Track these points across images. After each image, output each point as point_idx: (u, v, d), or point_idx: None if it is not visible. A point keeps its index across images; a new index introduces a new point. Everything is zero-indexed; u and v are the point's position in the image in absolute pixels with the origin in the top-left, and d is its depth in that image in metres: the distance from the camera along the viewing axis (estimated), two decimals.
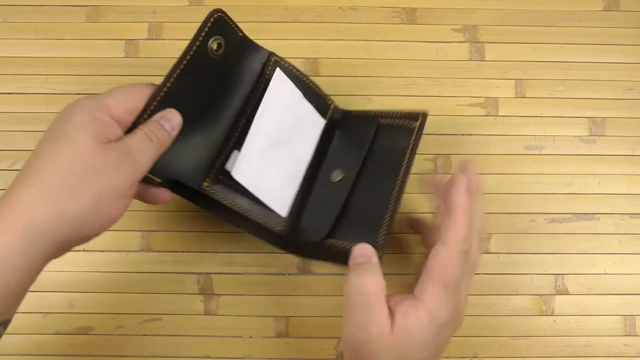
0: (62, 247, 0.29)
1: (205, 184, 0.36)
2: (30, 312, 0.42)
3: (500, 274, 0.44)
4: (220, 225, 0.44)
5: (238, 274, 0.43)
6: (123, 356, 0.42)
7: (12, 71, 0.46)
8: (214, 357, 0.42)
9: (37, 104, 0.46)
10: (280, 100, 0.38)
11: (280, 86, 0.38)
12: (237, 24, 0.36)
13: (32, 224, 0.27)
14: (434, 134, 0.46)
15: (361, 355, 0.30)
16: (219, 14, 0.34)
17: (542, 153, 0.46)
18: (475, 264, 0.33)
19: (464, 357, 0.42)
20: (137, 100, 0.31)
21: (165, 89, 0.32)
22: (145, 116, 0.32)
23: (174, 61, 0.32)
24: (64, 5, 0.48)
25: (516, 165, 0.45)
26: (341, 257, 0.35)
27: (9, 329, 0.43)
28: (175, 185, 0.35)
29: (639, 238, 0.44)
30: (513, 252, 0.44)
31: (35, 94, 0.46)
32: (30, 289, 0.42)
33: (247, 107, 0.38)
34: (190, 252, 0.43)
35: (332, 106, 0.42)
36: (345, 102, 0.46)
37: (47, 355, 0.42)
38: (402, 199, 0.35)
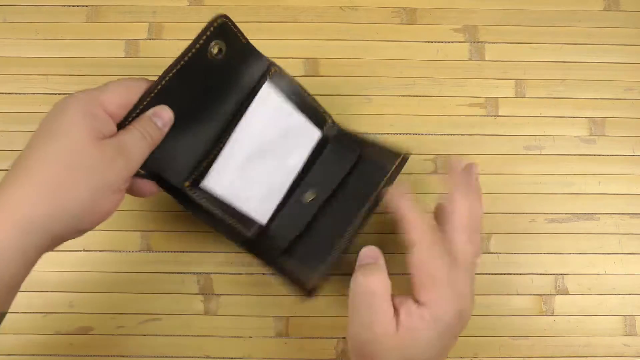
0: (56, 241, 0.29)
1: (187, 183, 0.36)
2: (30, 312, 0.42)
3: (500, 274, 0.44)
4: None
5: (238, 274, 0.43)
6: (123, 356, 0.42)
7: (12, 71, 0.46)
8: (214, 357, 0.42)
9: (37, 104, 0.46)
10: (265, 115, 0.38)
11: (265, 102, 0.38)
12: (238, 23, 0.36)
13: (28, 219, 0.27)
14: (434, 134, 0.46)
15: (366, 354, 0.30)
16: (224, 19, 0.34)
17: (542, 153, 0.46)
18: (476, 264, 0.33)
19: (464, 357, 0.42)
20: (131, 95, 0.32)
21: (160, 86, 0.32)
22: (138, 111, 0.32)
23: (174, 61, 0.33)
24: (64, 5, 0.48)
25: (516, 165, 0.45)
26: (289, 276, 0.36)
27: (9, 329, 0.43)
28: (160, 180, 0.36)
29: (639, 238, 0.44)
30: (513, 252, 0.44)
31: (35, 94, 0.46)
32: (30, 289, 0.42)
33: (240, 113, 0.38)
34: (190, 252, 0.43)
35: (329, 121, 0.41)
36: (345, 102, 0.46)
37: (47, 355, 0.42)
38: (355, 236, 0.36)
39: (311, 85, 0.46)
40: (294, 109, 0.39)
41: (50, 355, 0.42)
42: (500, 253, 0.44)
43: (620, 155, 0.46)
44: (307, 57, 0.47)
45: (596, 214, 0.45)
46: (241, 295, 0.43)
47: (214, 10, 0.47)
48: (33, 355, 0.42)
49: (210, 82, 0.36)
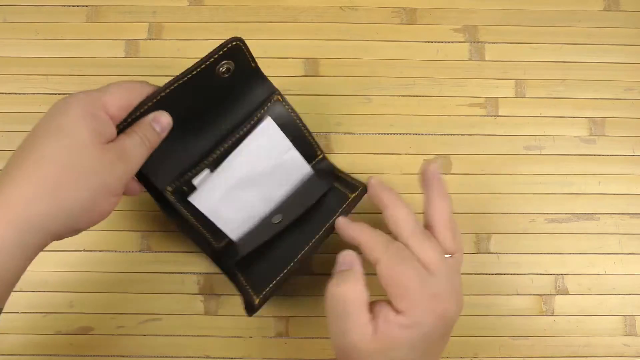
0: (53, 239, 0.29)
1: (169, 188, 0.37)
2: (30, 312, 0.42)
3: (500, 274, 0.44)
4: None
5: None
6: (123, 356, 0.42)
7: (12, 71, 0.46)
8: (214, 357, 0.42)
9: (37, 104, 0.46)
10: (263, 148, 0.38)
11: (266, 135, 0.38)
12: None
13: (30, 218, 0.27)
14: (434, 134, 0.46)
15: (349, 358, 0.31)
16: (238, 42, 0.34)
17: (542, 153, 0.46)
18: (460, 261, 0.33)
19: (464, 357, 0.42)
20: (132, 97, 0.32)
21: (162, 94, 0.33)
22: (138, 114, 0.32)
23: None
24: (64, 5, 0.48)
25: (516, 165, 0.45)
26: (238, 286, 0.38)
27: (9, 329, 0.43)
28: (145, 181, 0.36)
29: (639, 238, 0.44)
30: (513, 252, 0.44)
31: (35, 94, 0.46)
32: (31, 289, 0.42)
33: (234, 134, 0.38)
34: (190, 252, 0.43)
35: (320, 157, 0.42)
36: (345, 102, 0.46)
37: (47, 355, 0.42)
38: (308, 258, 0.37)
39: (311, 85, 0.47)
40: (291, 145, 0.39)
41: (50, 355, 0.42)
42: (500, 253, 0.44)
43: (620, 155, 0.46)
44: (307, 57, 0.47)
45: (596, 214, 0.45)
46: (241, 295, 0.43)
47: (214, 10, 0.47)
48: (33, 355, 0.42)
49: (212, 98, 0.36)
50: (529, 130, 0.46)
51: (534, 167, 0.45)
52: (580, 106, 0.46)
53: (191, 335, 0.42)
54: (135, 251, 0.43)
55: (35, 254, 0.29)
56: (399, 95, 0.46)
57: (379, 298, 0.31)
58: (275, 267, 0.37)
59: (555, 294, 0.43)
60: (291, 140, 0.39)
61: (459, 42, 0.47)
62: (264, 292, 0.36)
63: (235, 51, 0.34)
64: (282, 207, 0.40)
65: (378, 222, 0.34)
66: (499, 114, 0.46)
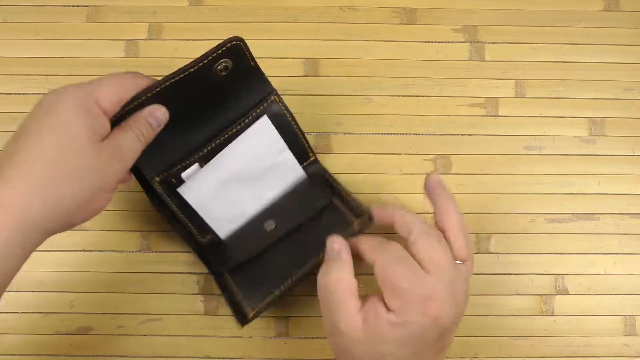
0: (48, 235, 0.29)
1: (157, 178, 0.37)
2: (30, 312, 0.42)
3: (500, 274, 0.44)
4: None
5: None
6: (123, 356, 0.42)
7: (12, 71, 0.46)
8: (214, 357, 0.42)
9: None
10: (257, 147, 0.38)
11: (261, 134, 0.38)
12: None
13: (27, 217, 0.27)
14: (434, 134, 0.46)
15: (339, 346, 0.31)
16: (239, 42, 0.34)
17: (542, 153, 0.46)
18: (470, 267, 0.33)
19: (464, 357, 0.42)
20: (125, 90, 0.32)
21: (158, 89, 0.33)
22: (132, 106, 0.32)
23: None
24: (64, 5, 0.48)
25: (516, 165, 0.45)
26: (229, 295, 0.38)
27: (9, 329, 0.43)
28: (134, 168, 0.35)
29: (639, 238, 0.44)
30: (513, 252, 0.44)
31: (35, 94, 0.46)
32: (31, 289, 0.42)
33: (228, 130, 0.38)
34: (190, 252, 0.43)
35: (311, 159, 0.41)
36: (345, 102, 0.46)
37: (47, 355, 0.42)
38: (304, 279, 0.37)
39: (311, 85, 0.47)
40: (286, 146, 0.39)
41: (50, 355, 0.42)
42: (500, 253, 0.44)
43: (620, 155, 0.46)
44: (307, 57, 0.47)
45: (596, 214, 0.45)
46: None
47: (214, 11, 0.47)
48: (33, 355, 0.42)
49: (208, 95, 0.36)
50: (529, 130, 0.46)
51: (534, 167, 0.45)
52: (580, 106, 0.46)
53: (191, 336, 0.42)
54: (135, 251, 0.43)
55: (30, 252, 0.29)
56: (399, 95, 0.46)
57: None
58: (270, 281, 0.37)
59: (555, 294, 0.43)
60: (284, 141, 0.39)
61: (459, 42, 0.48)
62: (257, 308, 0.37)
63: (234, 51, 0.34)
64: (275, 212, 0.40)
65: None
66: (499, 114, 0.46)
